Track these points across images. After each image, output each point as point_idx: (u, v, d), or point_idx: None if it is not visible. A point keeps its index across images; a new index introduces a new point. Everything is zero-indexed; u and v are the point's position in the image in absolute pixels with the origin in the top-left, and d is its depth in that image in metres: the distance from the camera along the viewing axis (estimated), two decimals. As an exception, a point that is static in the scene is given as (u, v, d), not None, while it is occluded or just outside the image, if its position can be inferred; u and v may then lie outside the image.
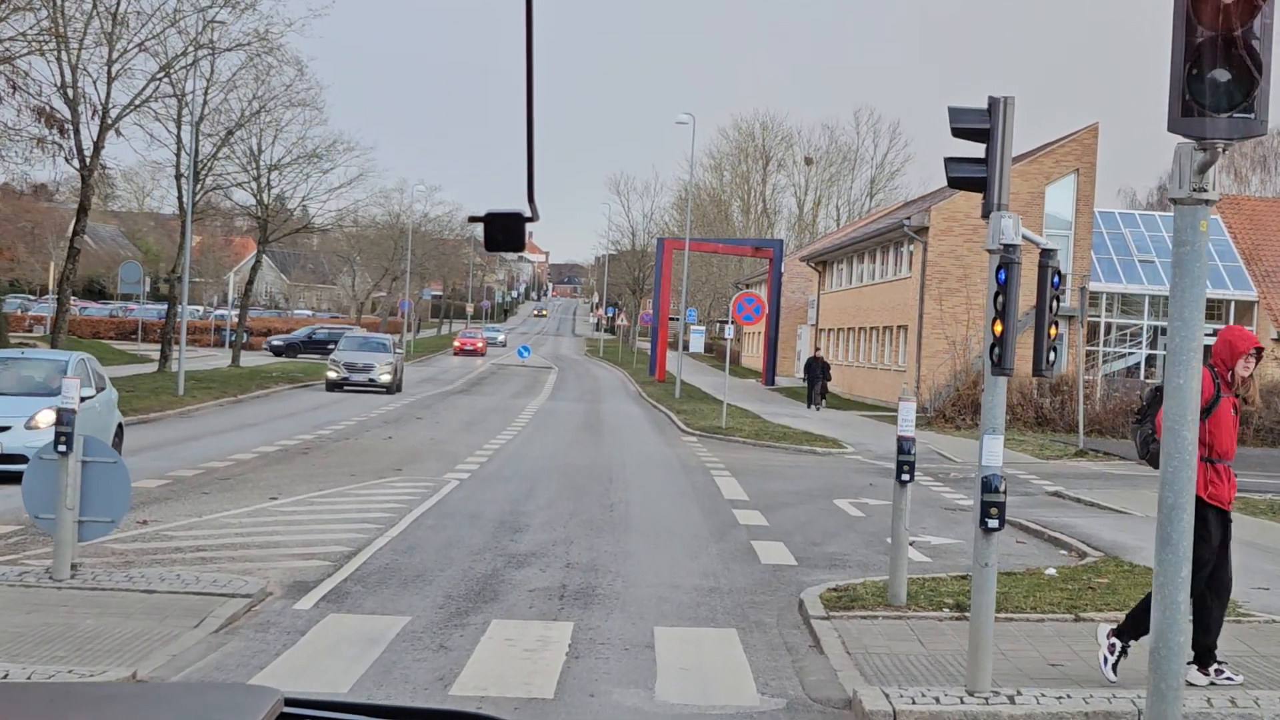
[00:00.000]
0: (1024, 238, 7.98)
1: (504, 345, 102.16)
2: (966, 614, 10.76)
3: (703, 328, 68.59)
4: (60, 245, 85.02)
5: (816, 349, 54.04)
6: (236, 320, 54.64)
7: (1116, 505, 20.80)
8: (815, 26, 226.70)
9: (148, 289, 72.87)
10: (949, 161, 8.34)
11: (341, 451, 23.80)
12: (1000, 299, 7.79)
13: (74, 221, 35.16)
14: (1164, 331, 49.96)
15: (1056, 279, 7.99)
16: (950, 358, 43.67)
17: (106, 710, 2.28)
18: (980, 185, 8.18)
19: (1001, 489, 8.02)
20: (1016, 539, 17.03)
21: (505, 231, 2.65)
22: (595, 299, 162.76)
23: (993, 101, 8.23)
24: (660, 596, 11.72)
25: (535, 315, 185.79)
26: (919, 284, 45.71)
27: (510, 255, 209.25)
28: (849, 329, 57.37)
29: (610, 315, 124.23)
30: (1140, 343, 50.26)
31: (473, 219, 2.67)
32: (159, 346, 44.36)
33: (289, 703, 2.30)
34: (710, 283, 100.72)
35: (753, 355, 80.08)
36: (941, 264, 45.50)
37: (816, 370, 46.65)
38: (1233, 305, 48.69)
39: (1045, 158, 46.67)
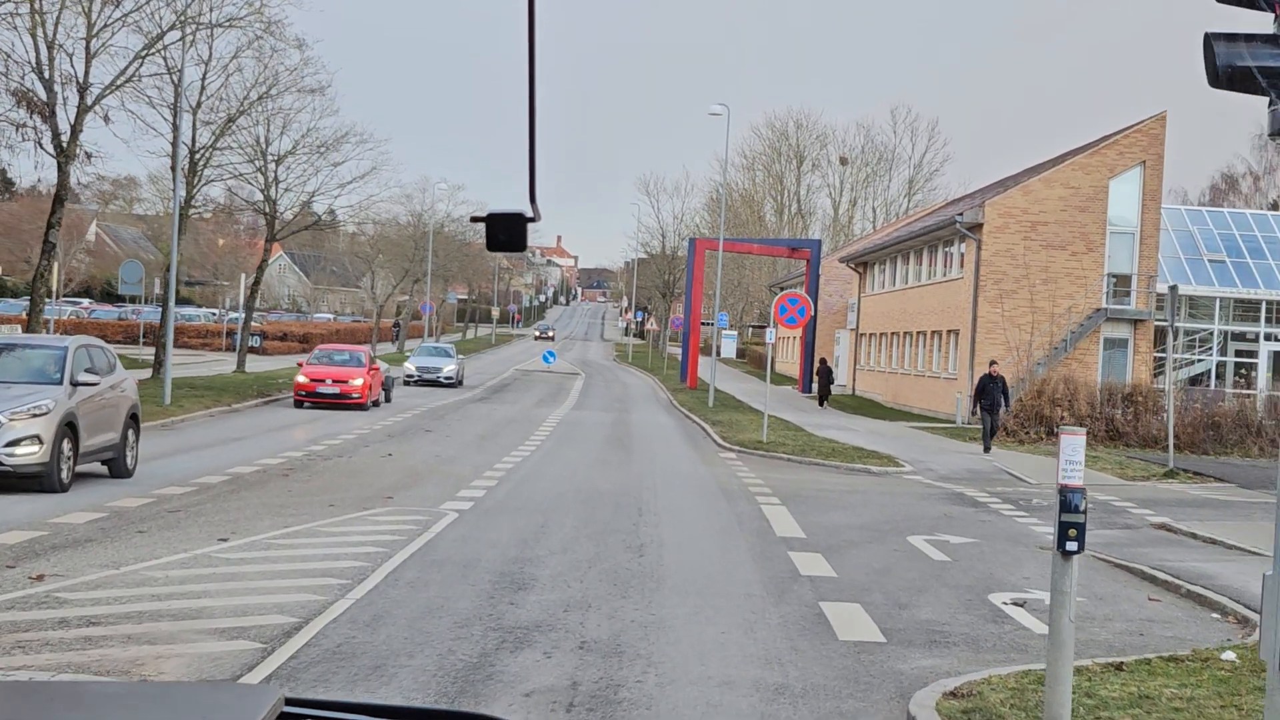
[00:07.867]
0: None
1: (458, 384, 50.96)
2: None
3: (734, 333, 64.76)
4: (75, 248, 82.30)
5: (993, 362, 34.30)
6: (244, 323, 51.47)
7: (1245, 544, 17.35)
8: (850, 22, 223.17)
9: (158, 289, 69.92)
10: (1213, 39, 4.96)
11: (328, 473, 20.57)
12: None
13: (49, 214, 32.00)
14: (1235, 336, 46.59)
15: None
16: (1011, 363, 40.11)
17: (107, 710, 2.23)
18: (1274, 78, 4.84)
19: None
20: (1149, 595, 13.66)
21: (507, 231, 2.63)
22: (624, 303, 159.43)
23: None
24: (710, 704, 8.38)
25: (537, 338, 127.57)
26: (972, 285, 42.27)
27: (537, 259, 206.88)
28: (893, 334, 53.86)
29: (640, 319, 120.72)
30: (1210, 349, 46.58)
31: (475, 219, 2.75)
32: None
33: (289, 702, 2.24)
34: (743, 286, 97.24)
35: (787, 360, 76.54)
36: (997, 263, 42.06)
37: (995, 393, 31.79)
38: (1300, 308, 44.99)
39: (1108, 149, 43.03)
